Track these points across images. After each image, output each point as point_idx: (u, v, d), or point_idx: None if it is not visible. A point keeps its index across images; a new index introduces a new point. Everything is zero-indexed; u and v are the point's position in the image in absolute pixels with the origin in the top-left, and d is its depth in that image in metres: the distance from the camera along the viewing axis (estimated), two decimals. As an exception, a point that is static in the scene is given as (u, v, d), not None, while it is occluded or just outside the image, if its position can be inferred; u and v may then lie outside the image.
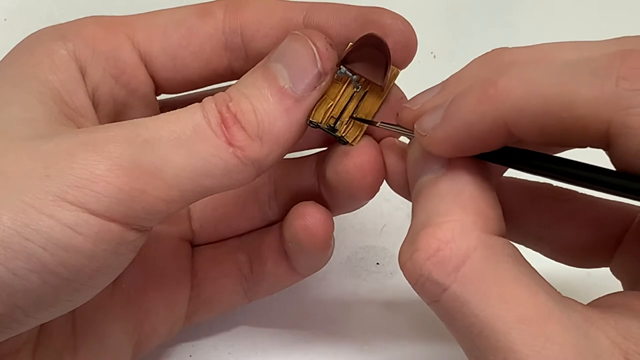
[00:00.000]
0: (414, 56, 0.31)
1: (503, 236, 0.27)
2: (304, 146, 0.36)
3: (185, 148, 0.28)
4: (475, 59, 0.29)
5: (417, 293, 0.26)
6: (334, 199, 0.36)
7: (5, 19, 0.50)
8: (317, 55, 0.30)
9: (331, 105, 0.31)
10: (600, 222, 0.32)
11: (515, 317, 0.24)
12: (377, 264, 0.44)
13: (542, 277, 0.25)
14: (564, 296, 0.25)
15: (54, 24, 0.33)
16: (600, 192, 0.26)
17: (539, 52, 0.27)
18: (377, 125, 0.31)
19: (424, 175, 0.28)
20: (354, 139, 0.32)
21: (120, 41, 0.32)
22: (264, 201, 0.38)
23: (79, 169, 0.26)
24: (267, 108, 0.29)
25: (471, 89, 0.26)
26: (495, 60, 0.28)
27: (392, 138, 0.33)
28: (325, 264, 0.37)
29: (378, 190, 0.33)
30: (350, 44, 0.31)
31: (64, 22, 0.33)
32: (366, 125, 0.32)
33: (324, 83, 0.31)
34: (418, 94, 0.30)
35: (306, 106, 0.30)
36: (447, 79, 0.30)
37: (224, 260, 0.38)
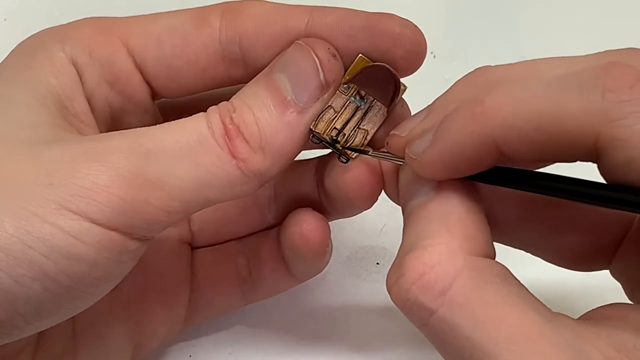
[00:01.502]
0: (423, 62, 0.31)
1: (492, 257, 0.27)
2: (305, 147, 0.36)
3: (188, 159, 0.28)
4: (459, 80, 0.29)
5: (406, 317, 0.26)
6: (333, 205, 0.36)
7: (5, 19, 0.50)
8: (319, 67, 0.30)
9: (335, 117, 0.31)
10: (599, 227, 0.32)
11: (506, 338, 0.24)
12: (377, 264, 0.44)
13: (532, 295, 0.25)
14: (554, 312, 0.25)
15: (54, 24, 0.33)
16: (592, 205, 0.26)
17: (524, 69, 0.27)
18: (370, 154, 0.31)
19: (414, 199, 0.28)
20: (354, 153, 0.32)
21: (116, 47, 0.32)
22: (264, 205, 0.38)
23: (82, 178, 0.26)
24: (270, 119, 0.29)
25: (458, 109, 0.26)
26: (480, 80, 0.28)
27: None
28: (322, 270, 0.37)
29: (376, 200, 0.33)
30: (360, 55, 0.31)
31: (63, 22, 0.33)
32: (367, 138, 0.32)
33: (327, 94, 0.30)
34: (405, 120, 0.30)
35: (309, 118, 0.30)
36: (433, 103, 0.29)
37: (223, 263, 0.38)
